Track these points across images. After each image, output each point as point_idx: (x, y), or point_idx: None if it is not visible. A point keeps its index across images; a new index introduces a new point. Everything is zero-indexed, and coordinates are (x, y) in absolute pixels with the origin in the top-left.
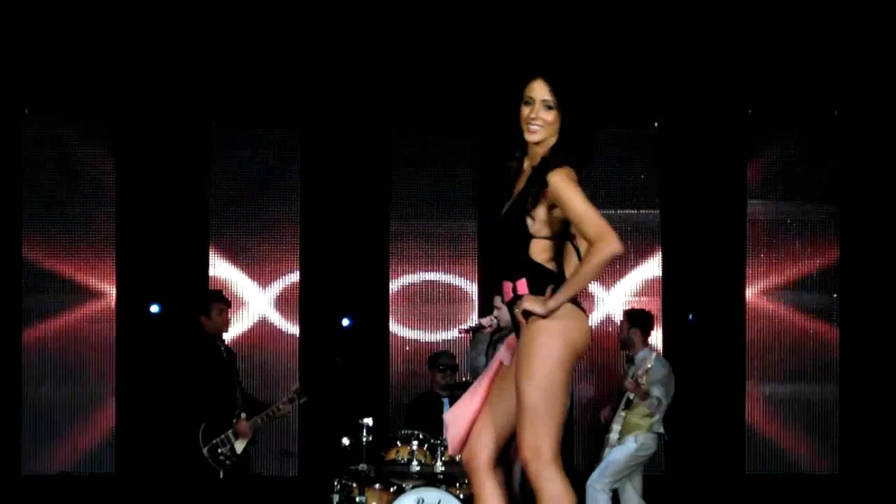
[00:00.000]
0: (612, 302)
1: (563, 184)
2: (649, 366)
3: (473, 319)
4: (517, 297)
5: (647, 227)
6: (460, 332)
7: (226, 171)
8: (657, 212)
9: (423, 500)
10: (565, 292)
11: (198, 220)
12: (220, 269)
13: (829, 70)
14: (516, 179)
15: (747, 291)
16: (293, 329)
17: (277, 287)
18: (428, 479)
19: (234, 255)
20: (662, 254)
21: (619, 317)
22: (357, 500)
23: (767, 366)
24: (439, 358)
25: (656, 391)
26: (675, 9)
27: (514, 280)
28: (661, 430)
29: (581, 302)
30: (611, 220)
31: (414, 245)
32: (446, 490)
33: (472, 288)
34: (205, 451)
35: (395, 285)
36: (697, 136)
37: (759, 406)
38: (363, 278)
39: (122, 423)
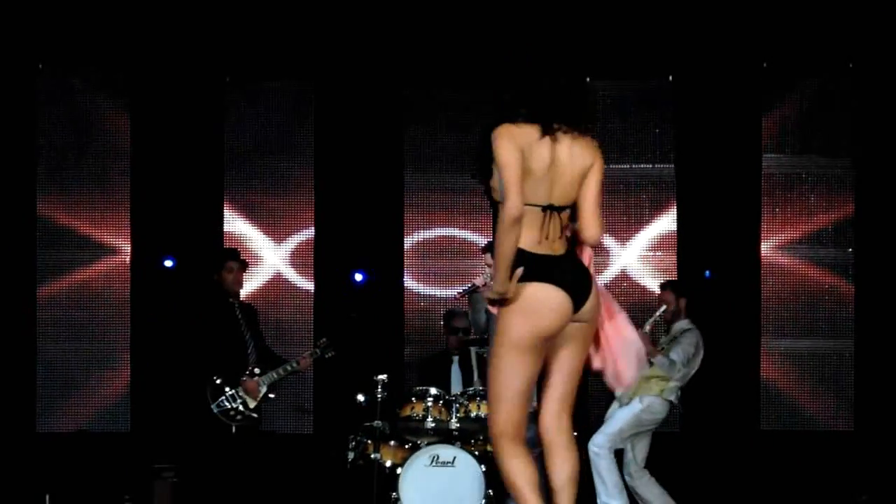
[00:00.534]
0: (628, 257)
1: (494, 142)
2: (677, 336)
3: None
4: None
5: (663, 181)
6: (456, 297)
7: (240, 127)
8: (672, 166)
9: (437, 457)
10: (497, 271)
11: (212, 176)
12: (235, 224)
13: (844, 22)
14: None
15: (762, 246)
16: (308, 285)
17: (292, 243)
18: (443, 435)
19: (249, 211)
20: (677, 209)
21: (634, 271)
22: (372, 456)
23: (783, 321)
24: (453, 319)
25: (675, 355)
26: None
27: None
28: (674, 398)
29: (547, 269)
30: (626, 175)
31: (429, 200)
32: (461, 447)
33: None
34: (213, 406)
35: (409, 241)
36: (712, 91)
37: (775, 362)
38: (378, 234)
39: (137, 381)
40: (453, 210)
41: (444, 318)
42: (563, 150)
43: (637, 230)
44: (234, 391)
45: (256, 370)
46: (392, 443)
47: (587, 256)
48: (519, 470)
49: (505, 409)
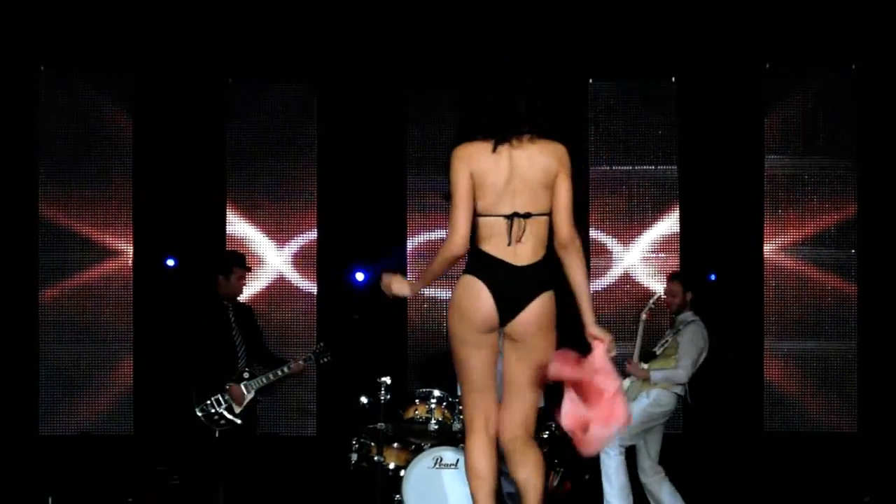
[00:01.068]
0: (631, 258)
1: (448, 168)
2: (681, 328)
3: None
4: None
5: (665, 182)
6: None
7: (243, 128)
8: (675, 168)
9: (441, 459)
10: (418, 281)
11: (215, 178)
12: (237, 226)
13: (847, 23)
14: None
15: (765, 247)
16: (311, 287)
17: (295, 244)
18: (446, 437)
19: (251, 213)
20: (680, 210)
21: (638, 273)
22: (375, 458)
23: (786, 322)
24: None
25: (683, 363)
26: None
27: None
28: (680, 390)
29: (490, 270)
30: (628, 177)
31: (431, 202)
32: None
33: None
34: (197, 410)
35: (412, 242)
36: (715, 92)
37: (778, 363)
38: (380, 236)
39: (140, 383)
40: None
41: None
42: (523, 159)
43: (640, 231)
44: (219, 396)
45: (245, 374)
46: (395, 445)
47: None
48: (477, 471)
49: (470, 405)
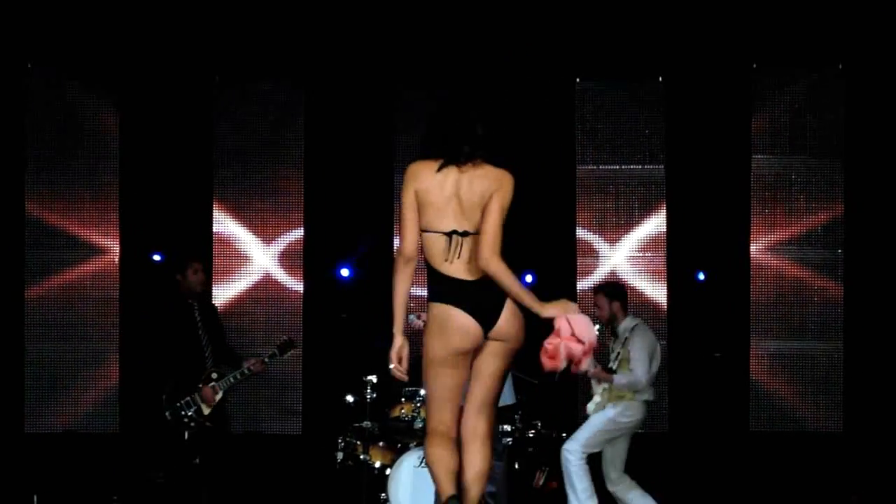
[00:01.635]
0: (618, 257)
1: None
2: (627, 336)
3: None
4: None
5: (652, 182)
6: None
7: (230, 127)
8: (662, 167)
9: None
10: (397, 319)
11: (202, 176)
12: (224, 225)
13: (834, 23)
14: None
15: (752, 247)
16: (297, 285)
17: (281, 243)
18: None
19: (238, 212)
20: (667, 209)
21: (624, 272)
22: (361, 457)
23: (772, 322)
24: None
25: (638, 370)
26: None
27: None
28: (648, 396)
29: (454, 293)
30: (615, 176)
31: None
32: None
33: None
34: (167, 413)
35: (398, 241)
36: (702, 91)
37: (764, 363)
38: (367, 234)
39: (126, 381)
40: None
41: None
42: (465, 181)
43: (627, 231)
44: (189, 398)
45: (214, 374)
46: (381, 444)
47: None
48: (437, 458)
49: (433, 412)
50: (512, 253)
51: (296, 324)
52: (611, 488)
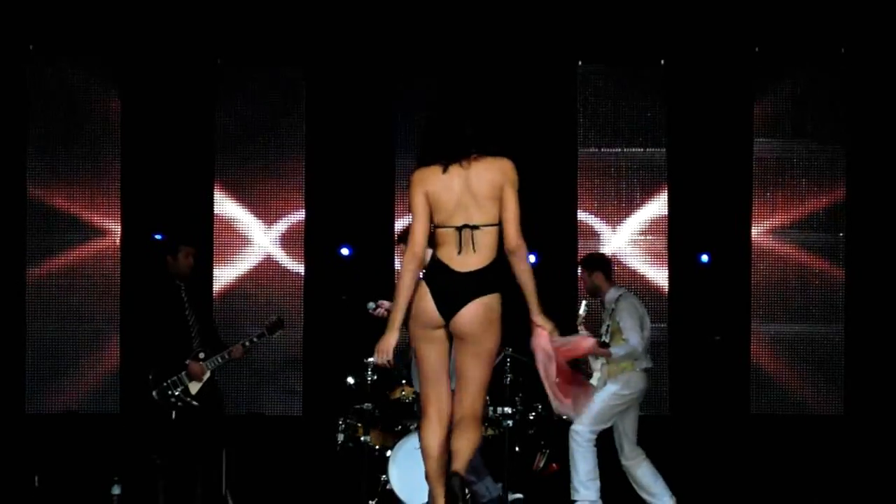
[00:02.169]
0: (619, 240)
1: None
2: (613, 306)
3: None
4: None
5: (654, 165)
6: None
7: (231, 110)
8: (664, 150)
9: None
10: (394, 301)
11: (203, 158)
12: (225, 207)
13: (837, 8)
14: None
15: (753, 230)
16: (298, 267)
17: (282, 225)
18: None
19: (239, 194)
20: (669, 193)
21: (625, 255)
22: (361, 439)
23: (773, 305)
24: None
25: (632, 338)
26: None
27: None
28: (647, 363)
29: (433, 275)
30: (617, 159)
31: None
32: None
33: None
34: (154, 393)
35: (400, 224)
36: (704, 75)
37: (765, 346)
38: (368, 217)
39: (127, 362)
40: None
41: None
42: (472, 177)
43: (628, 214)
44: (175, 377)
45: (201, 354)
46: (381, 426)
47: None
48: (424, 444)
49: (421, 389)
50: None
51: (296, 305)
52: (624, 462)
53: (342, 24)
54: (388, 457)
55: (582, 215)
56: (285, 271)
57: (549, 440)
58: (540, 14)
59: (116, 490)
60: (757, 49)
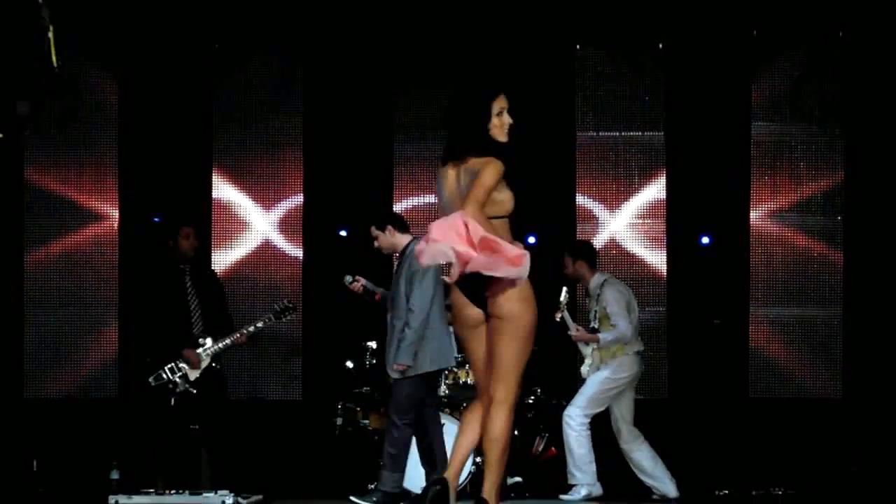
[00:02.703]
0: (617, 224)
1: None
2: (599, 292)
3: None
4: None
5: (652, 148)
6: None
7: (229, 94)
8: (662, 134)
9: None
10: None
11: (201, 143)
12: (223, 191)
13: None
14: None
15: (752, 213)
16: (297, 251)
17: (281, 209)
18: None
19: (238, 178)
20: (667, 176)
21: (624, 239)
22: (361, 423)
23: (771, 289)
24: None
25: (621, 324)
26: None
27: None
28: (639, 347)
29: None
30: (615, 143)
31: (418, 168)
32: (449, 414)
33: None
34: (151, 379)
35: (399, 208)
36: (702, 58)
37: (763, 329)
38: (367, 201)
39: (125, 347)
40: None
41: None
42: (462, 175)
43: (626, 197)
44: (173, 364)
45: (201, 340)
46: (381, 409)
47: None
48: (463, 413)
49: (476, 381)
50: (512, 219)
51: (295, 289)
52: (623, 446)
53: (339, 7)
54: None
55: (580, 199)
56: (284, 255)
57: (547, 424)
58: None
59: (115, 475)
60: (755, 32)
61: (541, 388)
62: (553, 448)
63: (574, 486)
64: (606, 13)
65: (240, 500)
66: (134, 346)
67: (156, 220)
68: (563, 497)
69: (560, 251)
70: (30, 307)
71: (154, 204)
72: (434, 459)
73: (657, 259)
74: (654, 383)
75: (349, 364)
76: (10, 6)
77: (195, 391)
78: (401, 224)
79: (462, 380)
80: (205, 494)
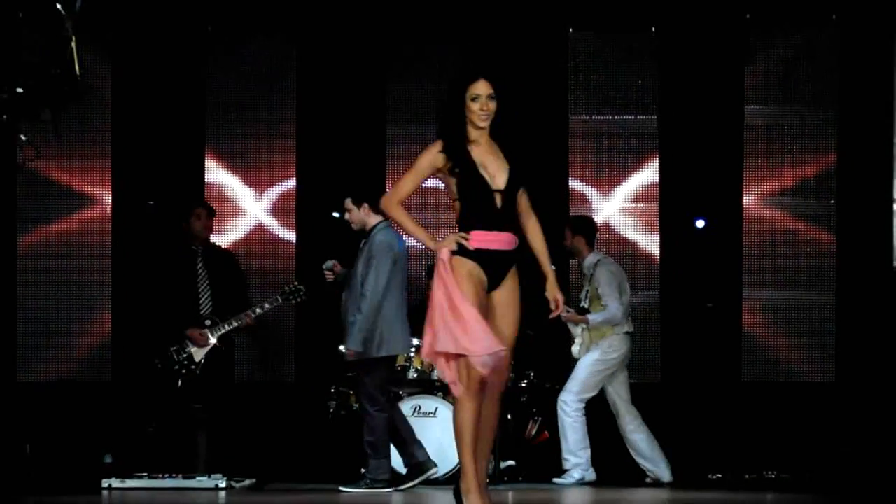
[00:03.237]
0: (610, 208)
1: None
2: (592, 272)
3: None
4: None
5: (645, 132)
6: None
7: (222, 77)
8: (655, 118)
9: (419, 408)
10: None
11: (194, 126)
12: (216, 175)
13: None
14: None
15: (744, 197)
16: (290, 235)
17: (274, 193)
18: (425, 386)
19: (230, 162)
20: (660, 160)
21: (617, 222)
22: (354, 406)
23: (764, 273)
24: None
25: (611, 304)
26: None
27: (514, 232)
28: (630, 328)
29: None
30: (608, 127)
31: (410, 152)
32: (443, 398)
33: None
34: (157, 360)
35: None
36: (695, 42)
37: (756, 313)
38: (359, 185)
39: (118, 330)
40: None
41: (428, 269)
42: None
43: (619, 181)
44: (178, 346)
45: (208, 322)
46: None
47: None
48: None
49: None
50: None
51: (288, 273)
52: (621, 425)
53: None
54: None
55: (573, 183)
56: (277, 239)
57: (540, 408)
58: None
59: (108, 458)
60: (748, 16)
61: (534, 373)
62: (546, 432)
63: (567, 470)
64: None
65: (233, 483)
66: (139, 328)
67: (150, 203)
68: (556, 481)
69: (561, 224)
70: (23, 291)
71: (147, 187)
72: (402, 438)
73: (650, 243)
74: (646, 367)
75: (342, 348)
76: (34, 16)
77: (199, 372)
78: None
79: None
80: (198, 478)
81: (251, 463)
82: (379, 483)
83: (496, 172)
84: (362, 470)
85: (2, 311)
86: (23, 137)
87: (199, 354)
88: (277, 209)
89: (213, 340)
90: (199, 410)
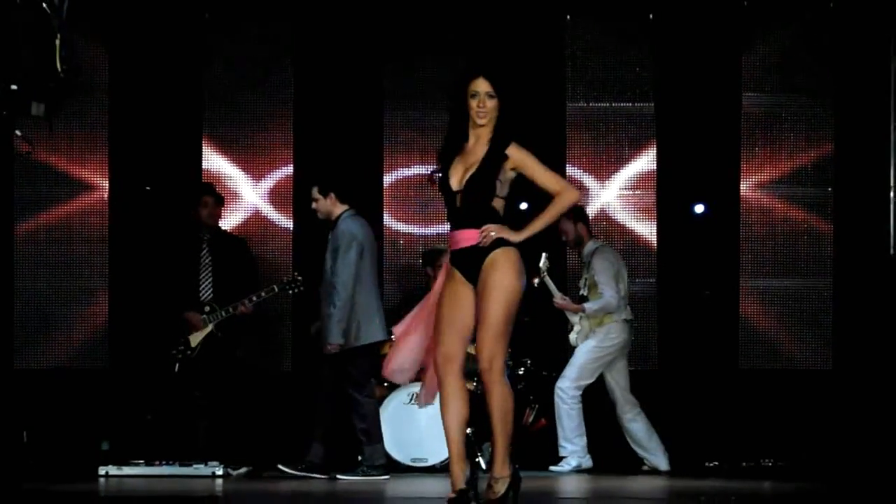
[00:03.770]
0: (608, 195)
1: (523, 153)
2: (590, 259)
3: None
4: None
5: (642, 119)
6: None
7: (219, 64)
8: (652, 105)
9: (416, 395)
10: (533, 229)
11: (191, 113)
12: (213, 162)
13: None
14: (459, 153)
15: (742, 185)
16: (287, 222)
17: (271, 180)
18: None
19: (228, 148)
20: (657, 147)
21: (614, 210)
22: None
23: (762, 260)
24: (440, 257)
25: (607, 292)
26: None
27: (478, 227)
28: (628, 316)
29: None
30: (605, 114)
31: (407, 138)
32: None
33: None
34: (157, 347)
35: (388, 179)
36: (693, 29)
37: (753, 300)
38: (357, 172)
39: (115, 318)
40: (432, 148)
41: (424, 256)
42: None
43: (616, 169)
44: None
45: (207, 308)
46: (371, 381)
47: None
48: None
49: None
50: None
51: (286, 261)
52: (619, 413)
53: None
54: (378, 412)
55: (570, 170)
56: (274, 226)
57: (538, 395)
58: None
59: (105, 446)
60: (745, 3)
61: (531, 360)
62: (543, 419)
63: (564, 457)
64: None
65: (229, 471)
66: (127, 315)
67: (147, 189)
68: (552, 468)
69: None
70: (19, 277)
71: (144, 174)
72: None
73: (647, 230)
74: (643, 355)
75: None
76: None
77: (194, 357)
78: (345, 193)
79: None
80: (195, 465)
81: (248, 451)
82: (375, 470)
83: (461, 173)
84: (359, 458)
85: None
86: (18, 133)
87: (195, 339)
88: (275, 196)
89: (210, 327)
90: (200, 397)
